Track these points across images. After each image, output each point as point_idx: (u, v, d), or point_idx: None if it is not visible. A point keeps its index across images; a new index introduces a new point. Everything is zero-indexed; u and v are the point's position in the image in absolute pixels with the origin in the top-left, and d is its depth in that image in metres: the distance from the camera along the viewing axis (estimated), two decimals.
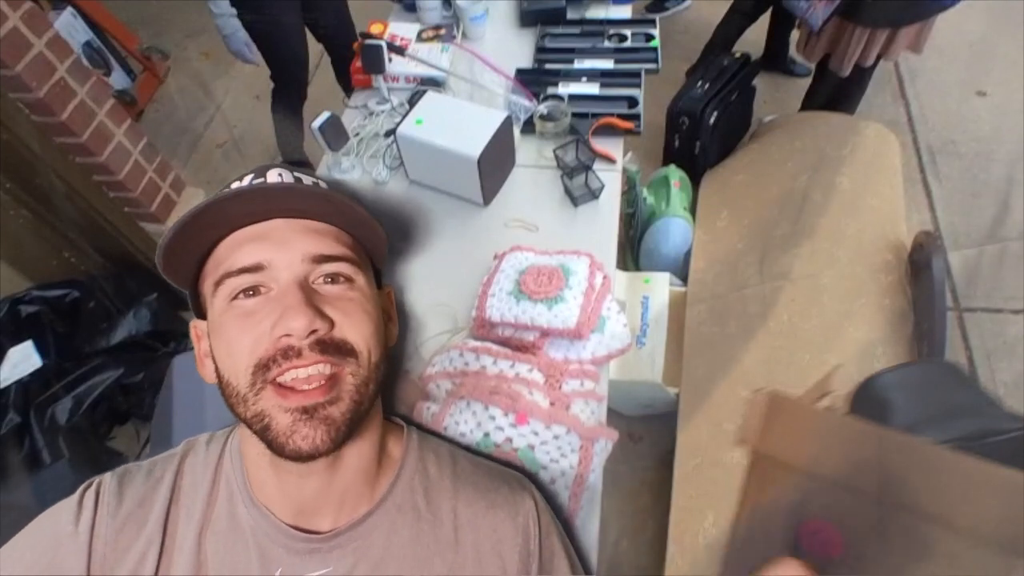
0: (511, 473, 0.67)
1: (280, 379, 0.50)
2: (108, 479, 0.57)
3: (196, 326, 0.60)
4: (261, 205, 0.55)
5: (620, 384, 1.43)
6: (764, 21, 2.29)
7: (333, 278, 0.56)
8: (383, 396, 0.67)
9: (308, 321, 0.50)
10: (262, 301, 0.52)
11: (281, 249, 0.54)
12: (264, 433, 0.51)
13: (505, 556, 0.58)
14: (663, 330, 1.47)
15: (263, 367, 0.50)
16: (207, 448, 0.61)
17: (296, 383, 0.51)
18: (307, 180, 0.60)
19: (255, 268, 0.53)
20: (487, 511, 0.60)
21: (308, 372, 0.51)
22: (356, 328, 0.54)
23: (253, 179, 0.58)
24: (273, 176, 0.58)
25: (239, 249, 0.54)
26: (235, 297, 0.53)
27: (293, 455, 0.50)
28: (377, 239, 0.63)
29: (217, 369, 0.54)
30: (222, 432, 0.63)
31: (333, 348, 0.52)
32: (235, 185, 0.58)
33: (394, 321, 0.69)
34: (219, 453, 0.60)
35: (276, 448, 0.50)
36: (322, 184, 0.62)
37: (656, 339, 1.46)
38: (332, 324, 0.52)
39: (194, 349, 0.60)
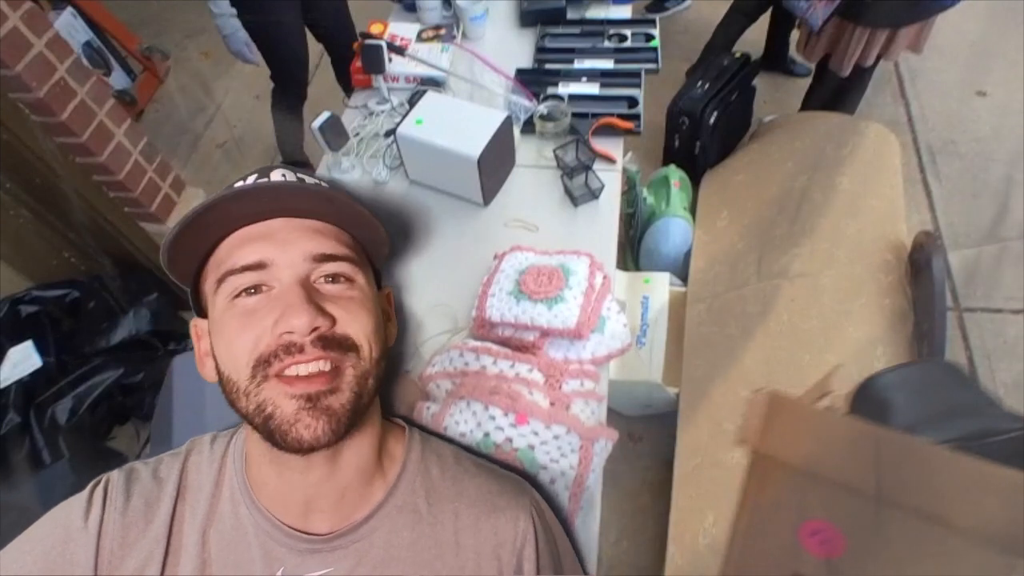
0: (513, 476, 0.67)
1: (282, 373, 0.51)
2: (116, 476, 0.58)
3: (196, 325, 0.60)
4: (264, 204, 0.55)
5: (620, 384, 1.43)
6: (764, 21, 2.29)
7: (334, 278, 0.56)
8: (383, 397, 0.67)
9: (310, 319, 0.50)
10: (263, 299, 0.53)
11: (283, 248, 0.54)
12: (266, 424, 0.51)
13: (504, 560, 0.58)
14: (663, 330, 1.47)
15: (264, 362, 0.50)
16: (211, 447, 0.61)
17: (298, 376, 0.51)
18: (310, 181, 0.60)
19: (257, 266, 0.53)
20: (489, 514, 0.60)
21: (309, 368, 0.51)
22: (357, 323, 0.55)
23: (257, 179, 0.58)
24: (276, 177, 0.58)
25: (241, 247, 0.54)
26: (237, 295, 0.53)
27: (295, 444, 0.50)
28: (378, 239, 0.63)
29: (218, 366, 0.54)
30: (226, 432, 0.63)
31: (335, 344, 0.52)
32: (238, 184, 0.58)
33: (393, 322, 0.69)
34: (223, 453, 0.60)
35: (278, 438, 0.50)
36: (324, 185, 0.62)
37: (656, 339, 1.46)
38: (333, 321, 0.53)
39: (194, 348, 0.61)
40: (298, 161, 2.20)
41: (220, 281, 0.54)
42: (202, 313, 0.59)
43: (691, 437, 1.34)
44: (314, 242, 0.55)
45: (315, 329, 0.51)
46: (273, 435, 0.51)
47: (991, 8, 2.51)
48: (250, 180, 0.58)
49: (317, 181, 0.61)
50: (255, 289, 0.53)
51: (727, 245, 1.60)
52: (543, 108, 1.19)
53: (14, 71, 1.34)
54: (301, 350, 0.50)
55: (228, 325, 0.53)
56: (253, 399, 0.51)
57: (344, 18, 1.93)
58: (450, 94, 1.31)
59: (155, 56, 2.84)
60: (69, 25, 2.41)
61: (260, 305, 0.52)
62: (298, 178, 0.59)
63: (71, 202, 1.67)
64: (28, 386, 1.61)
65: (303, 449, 0.50)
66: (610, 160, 1.17)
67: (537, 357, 0.85)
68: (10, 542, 0.54)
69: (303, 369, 0.51)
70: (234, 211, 0.54)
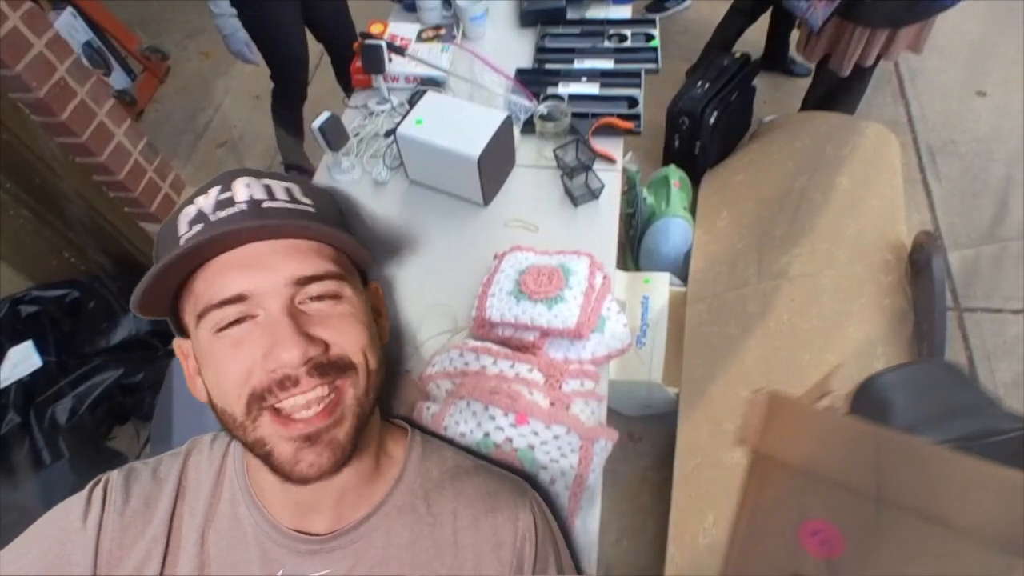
0: (513, 477, 0.66)
1: (278, 406, 0.50)
2: (115, 476, 0.57)
3: (179, 345, 0.58)
4: (233, 240, 0.51)
5: (620, 384, 1.43)
6: (764, 21, 2.29)
7: (320, 296, 0.53)
8: (381, 398, 0.66)
9: (301, 352, 0.49)
10: (250, 327, 0.50)
11: (263, 275, 0.51)
12: (267, 459, 0.50)
13: (503, 560, 0.58)
14: (663, 330, 1.47)
15: (258, 397, 0.49)
16: (211, 447, 0.61)
17: (295, 410, 0.50)
18: (278, 189, 0.56)
19: (238, 299, 0.50)
20: (488, 515, 0.60)
21: (307, 398, 0.50)
22: (350, 340, 0.53)
23: (220, 192, 0.54)
24: (240, 188, 0.54)
25: (219, 279, 0.51)
26: (221, 328, 0.51)
27: (300, 480, 0.50)
28: (357, 249, 0.59)
29: (209, 396, 0.53)
30: (226, 432, 0.63)
31: (331, 368, 0.51)
32: (199, 200, 0.54)
33: (384, 316, 0.67)
34: (223, 453, 0.60)
35: (281, 474, 0.50)
36: (295, 190, 0.57)
37: (656, 339, 1.46)
38: (326, 346, 0.51)
39: (183, 368, 0.59)
40: (299, 163, 2.21)
41: (201, 316, 0.51)
42: (183, 334, 0.56)
43: (691, 437, 1.34)
44: (295, 264, 0.52)
45: (309, 360, 0.49)
46: (276, 470, 0.50)
47: (991, 8, 2.51)
48: (212, 194, 0.54)
49: (287, 186, 0.56)
50: (239, 319, 0.51)
51: (727, 245, 1.60)
52: (543, 108, 1.19)
53: (14, 71, 1.34)
54: (296, 383, 0.49)
55: (215, 357, 0.51)
56: (251, 433, 0.50)
57: (344, 18, 1.93)
58: (450, 94, 1.31)
59: (155, 56, 2.84)
60: (69, 25, 2.41)
61: (247, 334, 0.50)
62: (264, 186, 0.55)
63: (71, 202, 1.68)
64: (28, 386, 1.61)
65: (308, 482, 0.50)
66: (610, 160, 1.17)
67: (537, 357, 0.85)
68: (10, 542, 0.53)
69: (301, 400, 0.49)
70: (205, 252, 0.51)
